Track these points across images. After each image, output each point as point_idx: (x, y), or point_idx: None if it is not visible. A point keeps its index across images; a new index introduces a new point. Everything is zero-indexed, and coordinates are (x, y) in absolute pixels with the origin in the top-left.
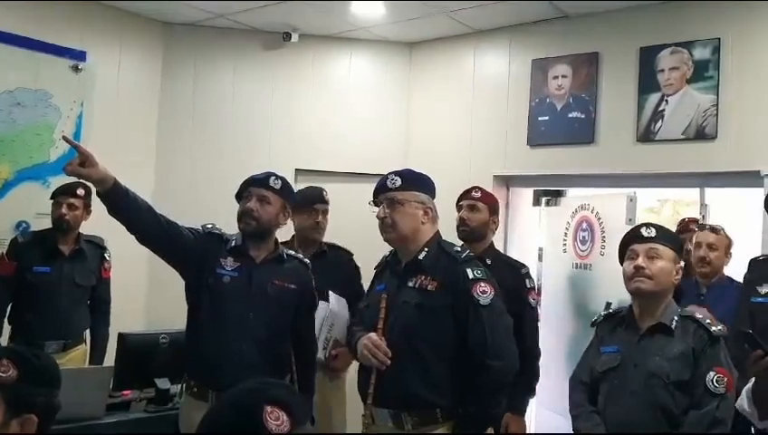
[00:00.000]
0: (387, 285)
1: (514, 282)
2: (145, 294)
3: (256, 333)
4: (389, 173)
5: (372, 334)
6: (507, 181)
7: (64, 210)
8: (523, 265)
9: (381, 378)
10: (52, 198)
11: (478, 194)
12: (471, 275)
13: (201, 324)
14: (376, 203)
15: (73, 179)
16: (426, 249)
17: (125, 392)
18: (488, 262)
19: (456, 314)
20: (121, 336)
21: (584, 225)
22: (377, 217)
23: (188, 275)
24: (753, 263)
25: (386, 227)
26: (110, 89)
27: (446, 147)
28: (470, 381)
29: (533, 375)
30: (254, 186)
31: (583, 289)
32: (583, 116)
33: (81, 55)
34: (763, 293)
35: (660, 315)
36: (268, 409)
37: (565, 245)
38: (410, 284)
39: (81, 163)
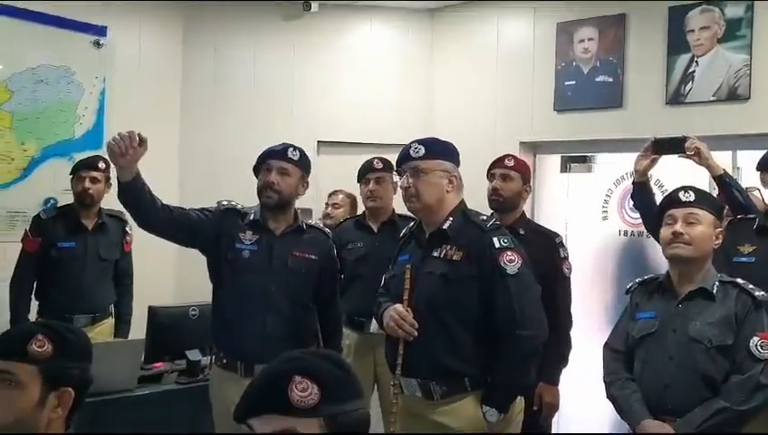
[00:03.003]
0: (411, 255)
1: (548, 251)
2: (174, 267)
3: (279, 305)
4: (412, 142)
5: (398, 306)
6: (534, 148)
7: (87, 184)
8: (557, 235)
9: (409, 348)
10: (72, 173)
11: (511, 162)
12: (497, 245)
13: (225, 298)
14: (399, 173)
15: (93, 154)
16: (450, 218)
17: (156, 365)
18: (521, 232)
19: (482, 283)
20: (151, 310)
21: None
22: (400, 186)
23: (209, 254)
24: (733, 223)
25: (410, 197)
26: (131, 63)
27: (471, 114)
28: (498, 351)
29: (566, 345)
30: (272, 158)
31: (636, 257)
32: (611, 79)
33: (101, 30)
34: (745, 252)
35: (701, 280)
36: (297, 379)
37: (605, 212)
38: (435, 254)
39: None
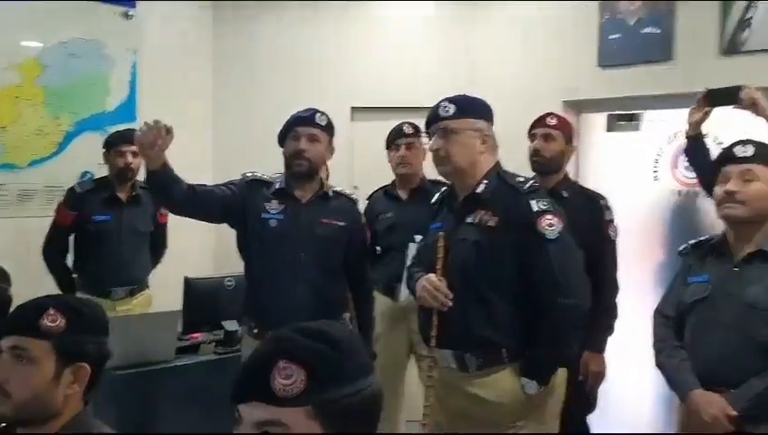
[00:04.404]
0: (444, 222)
1: (593, 214)
2: (212, 238)
3: (308, 274)
4: (442, 100)
5: (431, 275)
6: (578, 107)
7: (130, 159)
8: (602, 196)
9: (443, 319)
10: (108, 148)
11: (554, 121)
12: (535, 208)
13: (254, 269)
14: (428, 134)
15: (127, 127)
16: (484, 181)
17: (194, 335)
18: (564, 194)
19: (519, 250)
20: (187, 281)
21: None
22: (429, 149)
23: (236, 226)
24: None
25: (440, 160)
26: (162, 35)
27: (511, 73)
28: (538, 321)
29: (612, 312)
30: (299, 125)
31: (690, 217)
32: (659, 31)
33: (130, 2)
34: None
35: (761, 242)
36: (281, 364)
37: (656, 171)
38: (469, 220)
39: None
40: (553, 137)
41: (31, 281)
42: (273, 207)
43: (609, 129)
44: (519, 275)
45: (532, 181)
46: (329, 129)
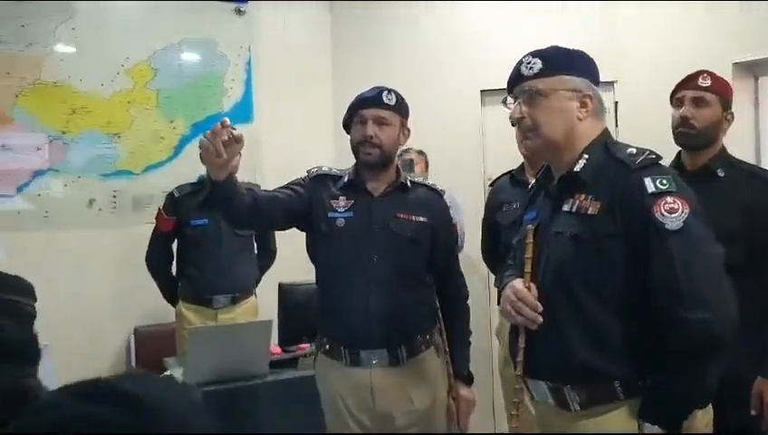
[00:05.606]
0: (539, 211)
1: (760, 197)
2: None
3: (384, 278)
4: (525, 55)
5: (516, 282)
6: (754, 69)
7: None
8: None
9: (532, 340)
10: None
11: (707, 82)
12: (651, 188)
13: (324, 276)
14: (513, 100)
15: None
16: (585, 156)
17: (302, 346)
18: (719, 173)
19: (631, 245)
20: (282, 287)
21: None
22: (510, 118)
23: (304, 229)
24: None
25: (526, 131)
26: (277, 30)
27: (668, 36)
28: (659, 343)
29: None
30: (365, 107)
31: None
32: None
33: None
34: None
35: None
36: None
37: None
38: (566, 207)
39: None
40: (707, 101)
41: (145, 288)
42: (341, 203)
43: None
44: (631, 280)
45: (647, 153)
46: (400, 108)
